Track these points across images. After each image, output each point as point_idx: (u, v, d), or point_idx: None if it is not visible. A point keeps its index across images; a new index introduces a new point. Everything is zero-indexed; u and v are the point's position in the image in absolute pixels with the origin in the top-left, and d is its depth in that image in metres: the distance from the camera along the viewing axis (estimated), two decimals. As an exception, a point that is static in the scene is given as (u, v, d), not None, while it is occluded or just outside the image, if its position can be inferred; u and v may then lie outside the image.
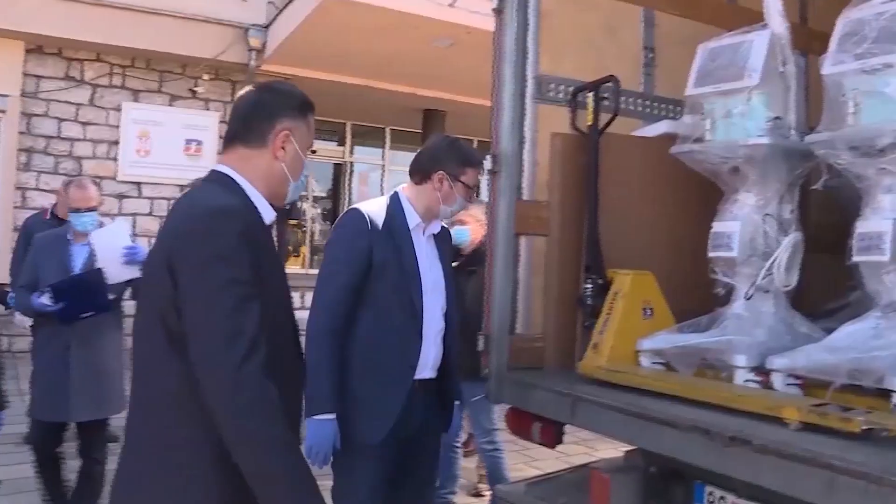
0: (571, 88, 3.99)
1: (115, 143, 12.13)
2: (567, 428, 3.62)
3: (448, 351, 3.61)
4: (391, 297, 3.42)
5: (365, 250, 3.38)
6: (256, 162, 2.34)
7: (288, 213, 12.08)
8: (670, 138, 3.72)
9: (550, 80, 4.00)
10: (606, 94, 3.80)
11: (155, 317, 2.14)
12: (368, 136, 16.94)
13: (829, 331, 3.10)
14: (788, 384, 3.02)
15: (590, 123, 3.79)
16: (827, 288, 3.71)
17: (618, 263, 3.68)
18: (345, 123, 16.21)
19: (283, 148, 2.35)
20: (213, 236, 2.10)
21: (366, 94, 13.67)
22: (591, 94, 3.81)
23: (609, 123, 3.76)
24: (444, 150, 3.62)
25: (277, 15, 12.05)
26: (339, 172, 16.87)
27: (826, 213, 3.73)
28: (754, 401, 2.85)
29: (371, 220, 3.43)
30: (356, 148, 16.88)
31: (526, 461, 6.55)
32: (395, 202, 3.55)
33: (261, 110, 2.37)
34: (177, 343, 2.09)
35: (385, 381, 3.39)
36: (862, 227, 3.01)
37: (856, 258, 3.02)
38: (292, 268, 15.56)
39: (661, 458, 3.10)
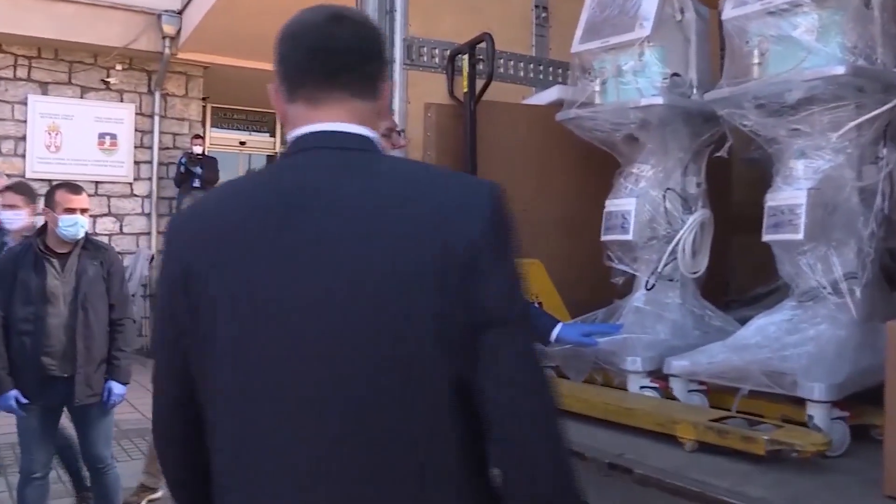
0: (447, 52, 3.46)
1: (23, 138, 11.34)
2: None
3: None
4: None
5: None
6: (374, 123, 1.53)
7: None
8: (562, 105, 3.21)
9: (422, 44, 3.49)
10: (483, 57, 3.28)
11: (423, 358, 1.35)
12: (300, 125, 16.36)
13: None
14: (691, 391, 2.54)
15: (465, 91, 3.26)
16: (756, 273, 3.23)
17: (501, 251, 3.16)
18: (275, 113, 15.52)
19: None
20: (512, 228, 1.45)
21: (292, 82, 13.05)
22: (465, 58, 3.28)
23: (484, 89, 3.26)
24: None
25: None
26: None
27: (750, 188, 3.25)
28: (645, 415, 2.35)
29: None
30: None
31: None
32: None
33: (375, 48, 1.53)
34: (463, 394, 1.37)
35: None
36: (772, 199, 2.53)
37: (767, 237, 2.54)
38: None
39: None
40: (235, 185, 1.62)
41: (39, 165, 11.40)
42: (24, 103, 11.39)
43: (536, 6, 3.85)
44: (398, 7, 3.40)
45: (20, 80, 11.43)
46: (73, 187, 4.57)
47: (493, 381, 1.35)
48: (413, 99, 3.42)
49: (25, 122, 11.38)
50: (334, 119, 1.48)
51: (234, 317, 1.39)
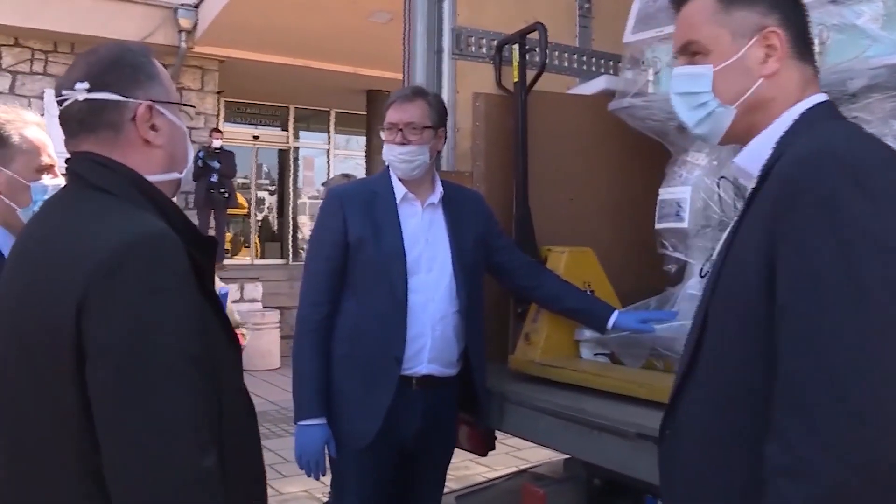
0: (495, 42, 3.49)
1: (40, 133, 11.44)
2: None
3: (472, 342, 3.01)
4: (371, 281, 2.92)
5: (337, 231, 2.92)
6: None
7: (227, 200, 11.54)
8: (610, 95, 3.24)
9: (471, 34, 3.52)
10: (534, 47, 3.31)
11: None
12: (312, 119, 16.40)
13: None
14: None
15: (515, 80, 3.29)
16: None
17: (552, 240, 3.21)
18: (287, 107, 15.67)
19: None
20: None
21: (306, 76, 13.10)
22: (515, 48, 3.31)
23: (536, 79, 3.27)
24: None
25: (206, -7, 11.45)
26: (284, 158, 16.31)
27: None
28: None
29: (346, 198, 2.98)
30: (300, 132, 16.34)
31: (471, 460, 6.00)
32: (382, 175, 3.05)
33: None
34: None
35: (369, 378, 2.89)
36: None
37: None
38: (242, 259, 15.04)
39: (606, 469, 2.63)
40: None
41: (58, 160, 11.42)
42: (41, 98, 11.43)
43: (580, -4, 3.89)
44: (447, -4, 3.44)
45: (37, 74, 11.50)
46: None
47: None
48: (461, 88, 3.45)
49: (43, 116, 11.38)
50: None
51: None
